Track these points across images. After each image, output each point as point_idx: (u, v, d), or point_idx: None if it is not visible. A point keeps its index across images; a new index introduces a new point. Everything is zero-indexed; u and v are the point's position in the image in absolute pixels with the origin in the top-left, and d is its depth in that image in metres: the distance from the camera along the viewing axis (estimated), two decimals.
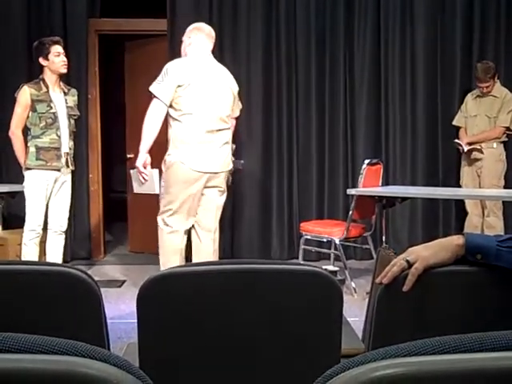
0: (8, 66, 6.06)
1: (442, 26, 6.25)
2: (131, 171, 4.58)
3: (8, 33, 6.06)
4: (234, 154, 4.74)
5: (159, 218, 4.48)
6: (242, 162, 4.85)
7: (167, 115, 4.35)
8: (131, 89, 6.61)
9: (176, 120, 4.34)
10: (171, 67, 4.34)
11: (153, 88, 4.30)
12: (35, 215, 4.82)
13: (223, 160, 4.46)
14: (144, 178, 4.40)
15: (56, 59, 4.81)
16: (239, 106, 4.80)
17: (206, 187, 4.43)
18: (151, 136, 4.33)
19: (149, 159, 4.38)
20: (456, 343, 0.77)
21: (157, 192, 4.46)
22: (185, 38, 4.62)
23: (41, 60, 4.82)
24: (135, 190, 4.65)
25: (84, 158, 6.14)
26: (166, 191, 4.42)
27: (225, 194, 4.62)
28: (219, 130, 4.41)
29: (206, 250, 4.54)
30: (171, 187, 4.38)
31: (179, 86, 4.28)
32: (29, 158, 4.79)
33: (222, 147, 4.44)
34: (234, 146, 4.80)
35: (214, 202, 4.52)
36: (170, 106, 4.32)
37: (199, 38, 4.56)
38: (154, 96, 4.27)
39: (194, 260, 4.55)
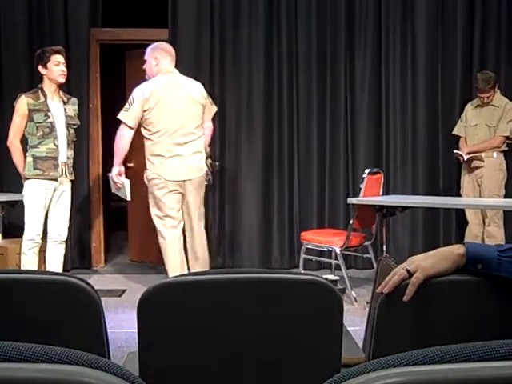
0: (9, 76, 6.08)
1: (443, 36, 6.27)
2: (109, 174, 5.08)
3: (9, 42, 6.08)
4: (210, 157, 5.16)
5: (157, 228, 4.95)
6: (218, 163, 5.23)
7: (141, 135, 4.92)
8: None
9: (148, 139, 4.89)
10: (136, 95, 4.82)
11: (120, 116, 4.82)
12: (34, 224, 4.82)
13: (194, 167, 4.93)
14: (118, 186, 4.97)
15: (54, 68, 4.82)
16: (211, 111, 5.17)
17: (182, 193, 4.91)
18: (121, 154, 4.92)
19: (122, 169, 4.97)
20: (457, 353, 0.77)
21: (129, 199, 5.08)
22: (150, 59, 4.97)
23: (40, 68, 4.84)
24: (112, 190, 5.15)
25: (85, 167, 6.15)
26: (153, 203, 4.91)
27: (200, 198, 5.04)
28: (187, 142, 4.88)
29: (191, 249, 5.02)
30: (155, 198, 4.89)
31: (145, 111, 4.80)
32: (26, 168, 4.80)
33: (191, 156, 4.90)
34: (209, 149, 5.21)
35: (191, 204, 4.96)
36: (142, 127, 4.88)
37: (165, 57, 4.96)
38: (121, 122, 4.81)
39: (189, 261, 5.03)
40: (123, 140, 4.85)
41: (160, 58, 4.93)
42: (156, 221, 4.91)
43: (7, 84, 6.06)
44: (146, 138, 4.89)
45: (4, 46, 6.09)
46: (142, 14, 6.69)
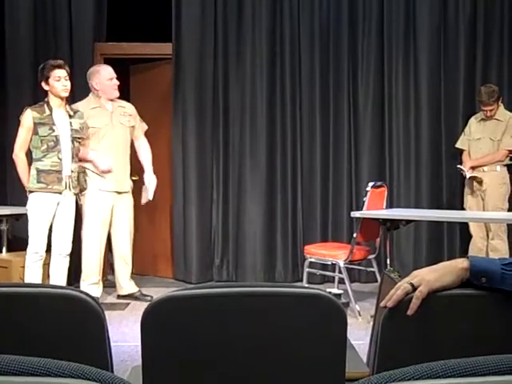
0: (14, 89, 6.11)
1: (446, 50, 6.29)
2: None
3: (14, 56, 6.11)
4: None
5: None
6: None
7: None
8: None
9: None
10: None
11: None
12: (38, 238, 4.82)
13: None
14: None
15: (56, 84, 4.85)
16: None
17: None
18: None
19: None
20: (460, 367, 0.76)
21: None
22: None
23: (43, 84, 4.89)
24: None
25: None
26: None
27: None
28: None
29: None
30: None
31: None
32: (30, 181, 4.81)
33: None
34: None
35: None
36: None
37: None
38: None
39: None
40: None
41: None
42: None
43: (12, 97, 6.09)
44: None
45: (9, 59, 6.13)
46: (145, 28, 6.72)
